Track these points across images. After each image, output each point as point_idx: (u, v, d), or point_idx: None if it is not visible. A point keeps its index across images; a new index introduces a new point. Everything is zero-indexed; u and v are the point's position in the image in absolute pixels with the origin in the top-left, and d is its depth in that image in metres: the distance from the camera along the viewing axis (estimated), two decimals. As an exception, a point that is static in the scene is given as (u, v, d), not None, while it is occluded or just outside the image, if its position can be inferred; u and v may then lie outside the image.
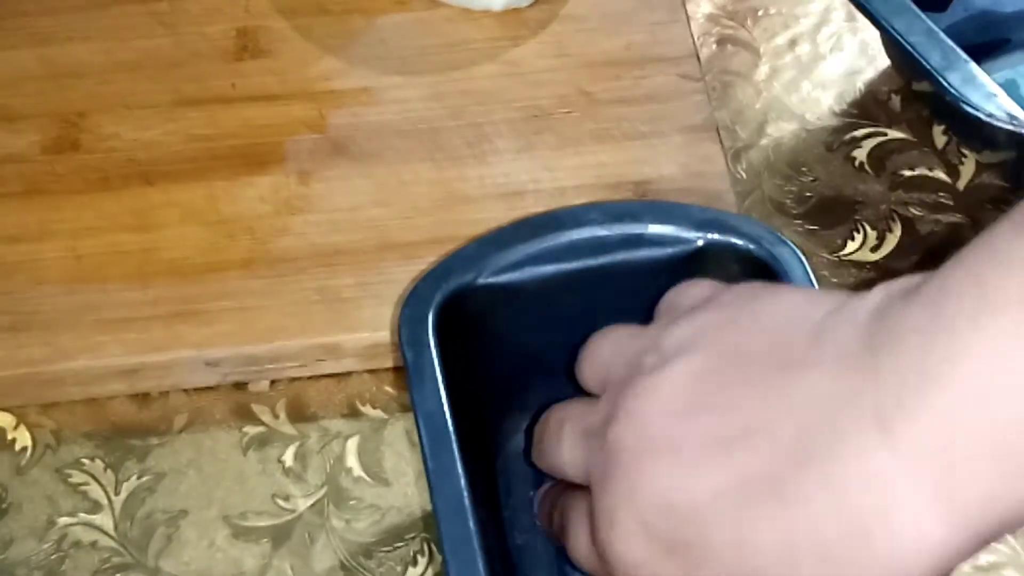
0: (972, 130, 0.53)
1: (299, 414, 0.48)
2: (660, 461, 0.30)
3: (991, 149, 0.54)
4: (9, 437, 0.47)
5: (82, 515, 0.45)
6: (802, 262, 0.40)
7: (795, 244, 0.40)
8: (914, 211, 0.53)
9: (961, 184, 0.54)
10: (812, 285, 0.39)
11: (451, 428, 0.36)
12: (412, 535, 0.45)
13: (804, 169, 0.55)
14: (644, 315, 0.40)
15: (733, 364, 0.30)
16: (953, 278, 0.27)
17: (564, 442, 0.35)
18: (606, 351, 0.35)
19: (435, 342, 0.38)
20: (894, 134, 0.56)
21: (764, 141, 0.56)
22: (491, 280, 0.40)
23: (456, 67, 0.55)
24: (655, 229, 0.41)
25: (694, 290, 0.36)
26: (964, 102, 0.46)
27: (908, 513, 0.26)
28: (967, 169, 0.55)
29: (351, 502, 0.45)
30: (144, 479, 0.46)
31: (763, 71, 0.58)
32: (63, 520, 0.45)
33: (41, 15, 0.57)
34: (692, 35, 0.57)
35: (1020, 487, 0.26)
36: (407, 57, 0.56)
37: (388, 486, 0.46)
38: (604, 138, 0.53)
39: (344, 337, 0.48)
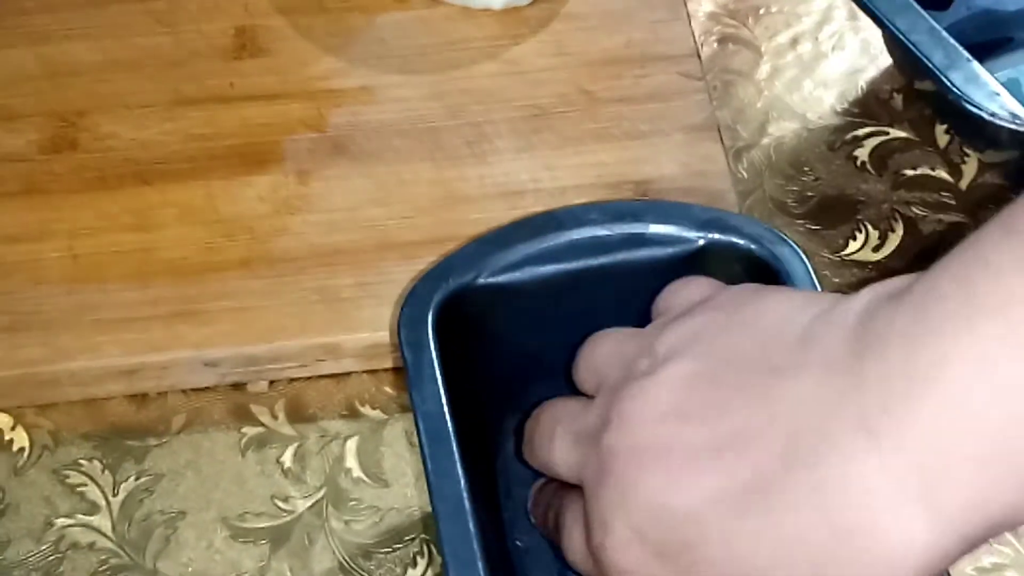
0: (975, 129, 0.52)
1: (298, 415, 0.48)
2: (652, 467, 0.31)
3: (994, 148, 0.54)
4: (6, 438, 0.47)
5: (80, 516, 0.45)
6: (804, 262, 0.40)
7: (797, 244, 0.40)
8: (916, 211, 0.53)
9: (963, 184, 0.54)
10: (814, 285, 0.39)
11: (451, 429, 0.36)
12: (411, 536, 0.45)
13: (806, 168, 0.55)
14: (645, 315, 0.40)
15: (723, 369, 0.31)
16: (940, 282, 0.27)
17: (556, 443, 0.35)
18: (602, 354, 0.35)
19: (435, 342, 0.38)
20: (896, 133, 0.56)
21: (765, 140, 0.56)
22: (491, 280, 0.40)
23: (456, 66, 0.55)
24: (656, 229, 0.41)
25: (689, 289, 0.36)
26: (967, 101, 0.45)
27: (894, 517, 0.26)
28: (969, 168, 0.54)
29: (350, 503, 0.45)
30: (142, 480, 0.46)
31: (764, 70, 0.58)
32: (61, 521, 0.45)
33: (39, 13, 0.57)
34: (693, 33, 0.56)
35: (1006, 491, 0.26)
36: (407, 56, 0.56)
37: (387, 487, 0.46)
38: (605, 137, 0.53)
39: (343, 337, 0.47)
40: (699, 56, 0.56)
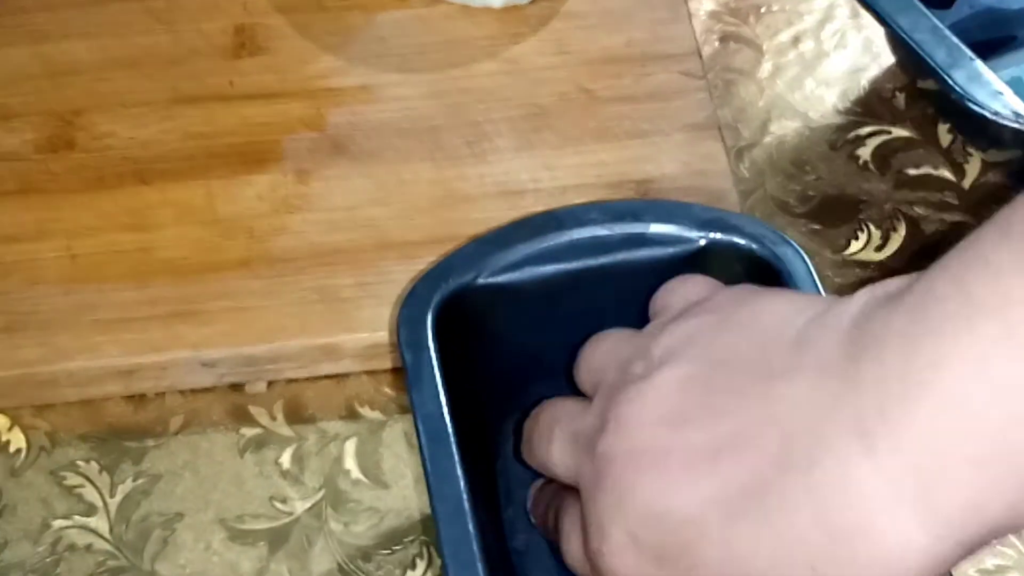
0: (978, 128, 0.52)
1: (297, 416, 0.47)
2: (648, 472, 0.30)
3: (997, 147, 0.54)
4: (3, 439, 0.47)
5: (77, 518, 0.45)
6: (805, 262, 0.39)
7: (798, 243, 0.40)
8: (919, 210, 0.53)
9: (966, 183, 0.54)
10: (816, 285, 0.39)
11: (450, 430, 0.36)
12: (411, 538, 0.44)
13: (807, 168, 0.54)
14: (645, 315, 0.40)
15: (718, 373, 0.31)
16: (938, 283, 0.27)
17: (554, 444, 0.35)
18: (600, 355, 0.35)
19: (434, 343, 0.38)
20: (899, 132, 0.55)
21: (767, 139, 0.55)
22: (491, 280, 0.40)
23: (456, 65, 0.55)
24: (657, 228, 0.41)
25: (686, 288, 0.36)
26: (970, 100, 0.45)
27: (890, 521, 0.26)
28: (972, 168, 0.54)
29: (349, 505, 0.45)
30: (140, 481, 0.46)
31: (766, 69, 0.58)
32: (58, 523, 0.45)
33: (37, 11, 0.57)
34: (694, 32, 0.56)
35: (1005, 492, 0.26)
36: (406, 55, 0.56)
37: (387, 488, 0.46)
38: (605, 136, 0.53)
39: (343, 338, 0.47)
40: (700, 55, 0.56)
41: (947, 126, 0.55)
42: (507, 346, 0.42)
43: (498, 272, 0.40)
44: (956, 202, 0.53)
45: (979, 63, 0.46)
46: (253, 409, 0.47)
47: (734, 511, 0.29)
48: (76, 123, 0.53)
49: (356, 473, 0.46)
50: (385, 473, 0.46)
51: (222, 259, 0.49)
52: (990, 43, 0.54)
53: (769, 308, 0.31)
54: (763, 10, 0.60)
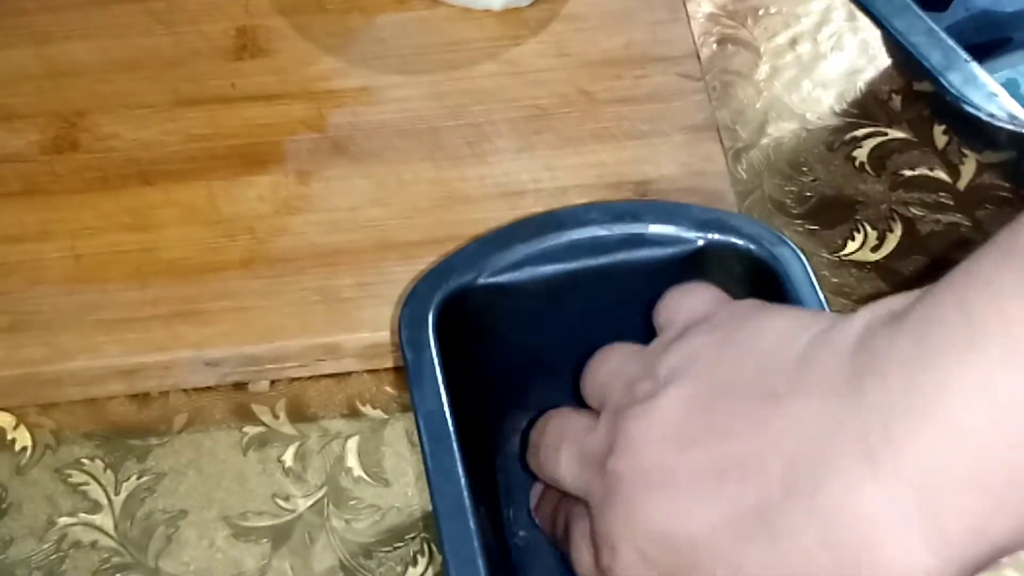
0: (973, 130, 0.53)
1: (299, 414, 0.48)
2: (656, 492, 0.31)
3: (992, 149, 0.54)
4: (9, 437, 0.47)
5: (82, 515, 0.45)
6: (803, 262, 0.40)
7: (796, 244, 0.40)
8: (915, 211, 0.53)
9: (962, 184, 0.54)
10: (813, 285, 0.39)
11: (451, 428, 0.36)
12: (412, 535, 0.45)
13: (805, 169, 0.55)
14: (645, 315, 0.40)
15: (722, 393, 0.31)
16: (940, 304, 0.27)
17: (562, 460, 0.35)
18: (606, 372, 0.35)
19: (435, 342, 0.38)
20: (895, 134, 0.56)
21: (765, 141, 0.56)
22: (491, 280, 0.40)
23: (456, 66, 0.55)
24: (655, 229, 0.41)
25: (690, 301, 0.36)
26: (965, 102, 0.46)
27: (896, 545, 0.26)
28: (968, 169, 0.55)
29: (351, 502, 0.45)
30: (144, 479, 0.46)
31: (763, 70, 0.58)
32: (63, 520, 0.45)
33: (40, 13, 0.57)
34: (692, 34, 0.57)
35: (1011, 515, 0.26)
36: (407, 56, 0.56)
37: (388, 486, 0.46)
38: (604, 137, 0.53)
39: (344, 337, 0.47)
40: (698, 57, 0.56)
41: (943, 128, 0.56)
42: (507, 345, 0.42)
43: (498, 272, 0.40)
44: (951, 203, 0.53)
45: (974, 65, 0.46)
46: (256, 408, 0.48)
47: (742, 533, 0.29)
48: (80, 124, 0.53)
49: (358, 471, 0.46)
50: (387, 471, 0.46)
51: (224, 259, 0.49)
52: (985, 45, 0.54)
53: (771, 326, 0.31)
54: (761, 13, 0.60)
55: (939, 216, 0.53)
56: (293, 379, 0.48)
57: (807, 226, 0.53)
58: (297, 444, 0.47)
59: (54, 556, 0.44)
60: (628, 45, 0.56)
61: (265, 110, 0.54)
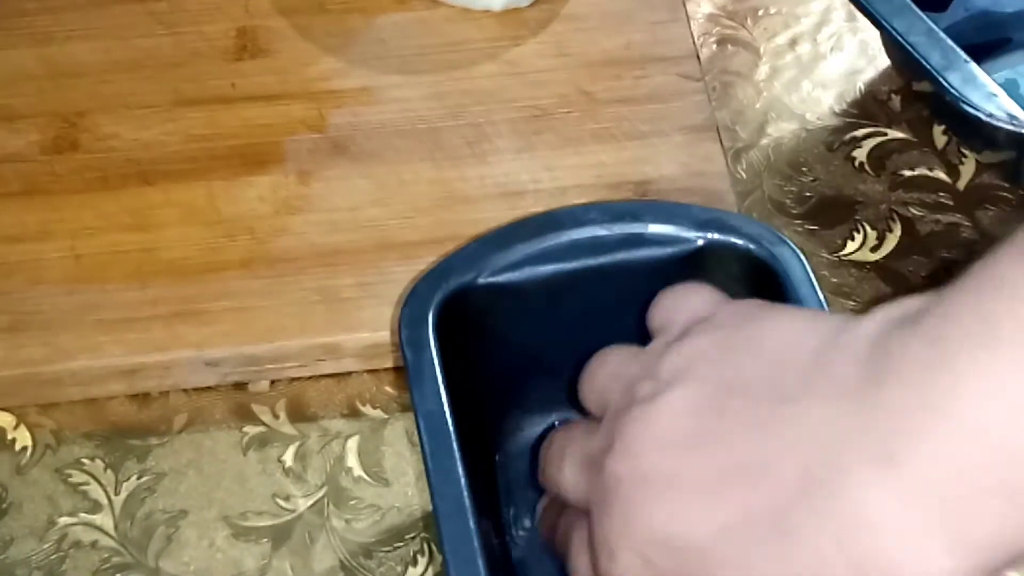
0: (972, 130, 0.53)
1: (299, 414, 0.48)
2: (657, 495, 0.30)
3: (991, 149, 0.54)
4: (9, 437, 0.47)
5: (82, 515, 0.45)
6: (802, 262, 0.40)
7: (795, 244, 0.40)
8: (914, 211, 0.53)
9: (961, 184, 0.54)
10: (812, 285, 0.39)
11: (451, 428, 0.36)
12: (412, 535, 0.45)
13: (804, 169, 0.55)
14: (644, 315, 0.40)
15: (729, 395, 0.30)
16: (956, 306, 0.26)
17: (565, 466, 0.35)
18: (605, 375, 0.35)
19: (435, 342, 0.38)
20: (894, 134, 0.56)
21: (764, 141, 0.56)
22: (491, 280, 0.40)
23: (456, 67, 0.55)
24: (655, 229, 0.41)
25: (689, 301, 0.35)
26: (964, 102, 0.46)
27: (914, 549, 0.26)
28: (967, 169, 0.55)
29: (351, 502, 0.45)
30: (144, 479, 0.46)
31: (763, 71, 0.58)
32: (63, 520, 0.45)
33: (41, 14, 0.57)
34: (692, 35, 0.57)
35: None
36: (407, 57, 0.56)
37: (388, 486, 0.46)
38: (604, 138, 0.53)
39: (344, 337, 0.47)
40: (698, 57, 0.56)
41: (942, 128, 0.56)
42: (507, 345, 0.42)
43: (498, 272, 0.40)
44: (951, 203, 0.53)
45: (974, 65, 0.46)
46: (256, 408, 0.48)
47: (752, 536, 0.28)
48: (80, 125, 0.53)
49: (358, 471, 0.46)
50: (387, 471, 0.46)
51: (224, 259, 0.49)
52: (985, 46, 0.54)
53: (778, 327, 0.31)
54: (760, 13, 0.60)
55: (939, 216, 0.53)
56: (293, 379, 0.48)
57: (807, 226, 0.53)
58: (297, 444, 0.47)
59: (54, 556, 0.44)
60: (628, 45, 0.56)
61: (265, 110, 0.54)
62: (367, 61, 0.56)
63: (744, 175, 0.54)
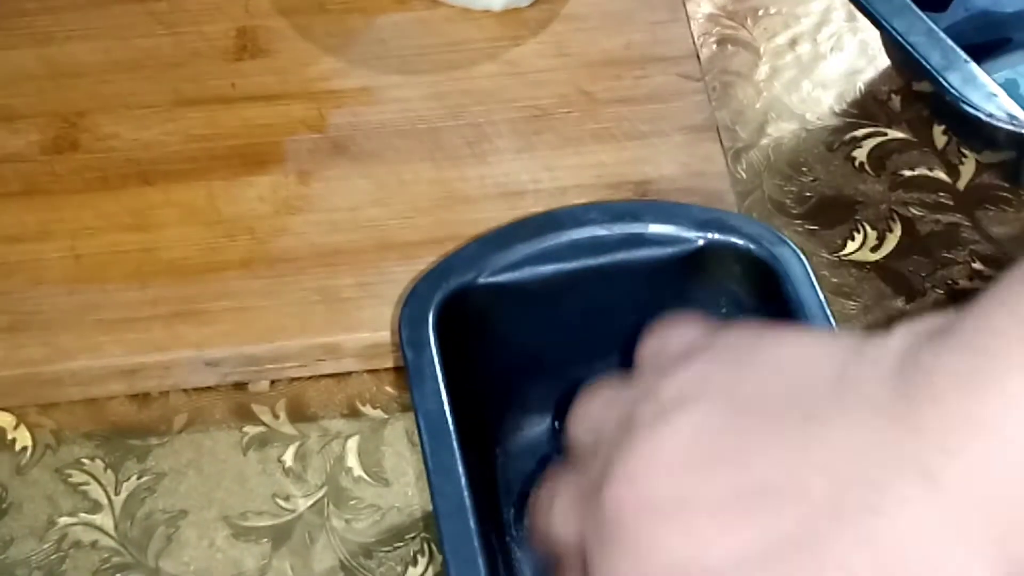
0: (972, 130, 0.53)
1: (299, 414, 0.48)
2: (670, 524, 0.28)
3: (991, 149, 0.54)
4: (9, 437, 0.47)
5: (82, 515, 0.45)
6: (802, 262, 0.40)
7: (795, 244, 0.40)
8: (914, 211, 0.53)
9: (961, 184, 0.54)
10: (813, 285, 0.39)
11: (451, 427, 0.36)
12: (412, 535, 0.45)
13: (804, 169, 0.55)
14: (644, 315, 0.40)
15: (745, 414, 0.28)
16: (990, 316, 0.25)
17: (555, 507, 0.32)
18: (597, 406, 0.32)
19: (435, 342, 0.38)
20: (894, 134, 0.56)
21: (764, 141, 0.56)
22: (491, 280, 0.40)
23: (456, 67, 0.55)
24: (655, 229, 0.41)
25: (679, 332, 0.33)
26: (964, 102, 0.46)
27: (958, 566, 0.25)
28: (967, 169, 0.55)
29: (351, 502, 0.45)
30: (144, 479, 0.46)
31: (763, 71, 0.58)
32: (63, 520, 0.45)
33: (41, 14, 0.57)
34: (692, 35, 0.57)
35: None
36: (407, 57, 0.56)
37: (388, 486, 0.46)
38: (604, 138, 0.53)
39: (344, 337, 0.47)
40: (698, 57, 0.56)
41: (942, 128, 0.56)
42: (507, 345, 0.42)
43: (498, 272, 0.40)
44: (951, 203, 0.53)
45: (973, 65, 0.46)
46: (256, 408, 0.48)
47: (776, 567, 0.27)
48: (80, 125, 0.53)
49: (358, 471, 0.46)
50: (387, 471, 0.46)
51: (224, 259, 0.49)
52: (985, 46, 0.54)
53: (792, 346, 0.29)
54: (760, 13, 0.60)
55: (939, 216, 0.53)
56: (293, 379, 0.48)
57: (807, 226, 0.53)
58: (297, 444, 0.47)
59: (54, 556, 0.44)
60: (628, 45, 0.56)
61: (265, 110, 0.54)
62: (367, 61, 0.56)
63: (744, 175, 0.54)
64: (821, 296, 0.39)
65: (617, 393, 0.32)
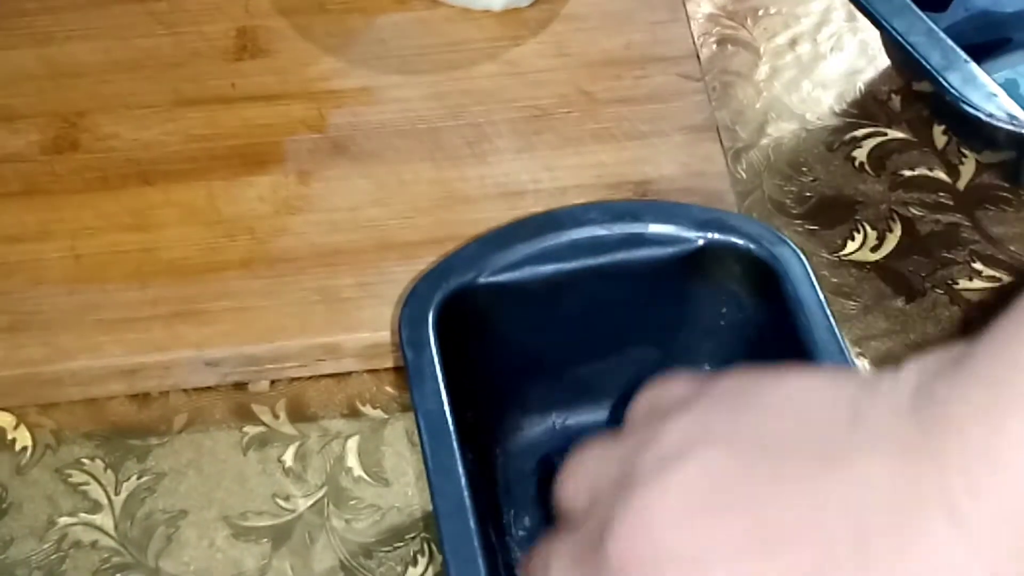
0: (972, 130, 0.53)
1: (299, 414, 0.48)
2: (684, 571, 0.27)
3: (991, 149, 0.54)
4: (9, 437, 0.47)
5: (82, 515, 0.45)
6: (802, 262, 0.40)
7: (795, 244, 0.40)
8: (914, 211, 0.53)
9: (961, 184, 0.54)
10: (813, 285, 0.39)
11: (451, 427, 0.36)
12: (412, 535, 0.45)
13: (804, 169, 0.55)
14: (644, 315, 0.40)
15: (752, 457, 0.28)
16: (1007, 346, 0.25)
17: (552, 571, 0.30)
18: (591, 463, 0.31)
19: (435, 342, 0.38)
20: (894, 134, 0.56)
21: (764, 141, 0.56)
22: (491, 280, 0.40)
23: (456, 67, 0.55)
24: (655, 229, 0.41)
25: (673, 385, 0.32)
26: (964, 102, 0.46)
27: None
28: (967, 169, 0.55)
29: (351, 502, 0.45)
30: (144, 479, 0.46)
31: (763, 71, 0.58)
32: (63, 520, 0.45)
33: (41, 14, 0.57)
34: (692, 35, 0.57)
35: None
36: (407, 57, 0.56)
37: (388, 486, 0.46)
38: (604, 138, 0.53)
39: (344, 337, 0.47)
40: (698, 57, 0.56)
41: (942, 128, 0.56)
42: (507, 345, 0.42)
43: (498, 272, 0.40)
44: (951, 203, 0.53)
45: (973, 65, 0.46)
46: (256, 408, 0.48)
47: None
48: (80, 125, 0.53)
49: (358, 471, 0.46)
50: (387, 471, 0.46)
51: (224, 259, 0.49)
52: (985, 46, 0.55)
53: (796, 386, 0.29)
54: (760, 13, 0.60)
55: (938, 216, 0.53)
56: (293, 379, 0.48)
57: (807, 226, 0.53)
58: (297, 444, 0.47)
59: (54, 556, 0.44)
60: (628, 45, 0.56)
61: (265, 110, 0.54)
62: (367, 61, 0.56)
63: (744, 175, 0.54)
64: (821, 296, 0.39)
65: (609, 451, 0.31)
